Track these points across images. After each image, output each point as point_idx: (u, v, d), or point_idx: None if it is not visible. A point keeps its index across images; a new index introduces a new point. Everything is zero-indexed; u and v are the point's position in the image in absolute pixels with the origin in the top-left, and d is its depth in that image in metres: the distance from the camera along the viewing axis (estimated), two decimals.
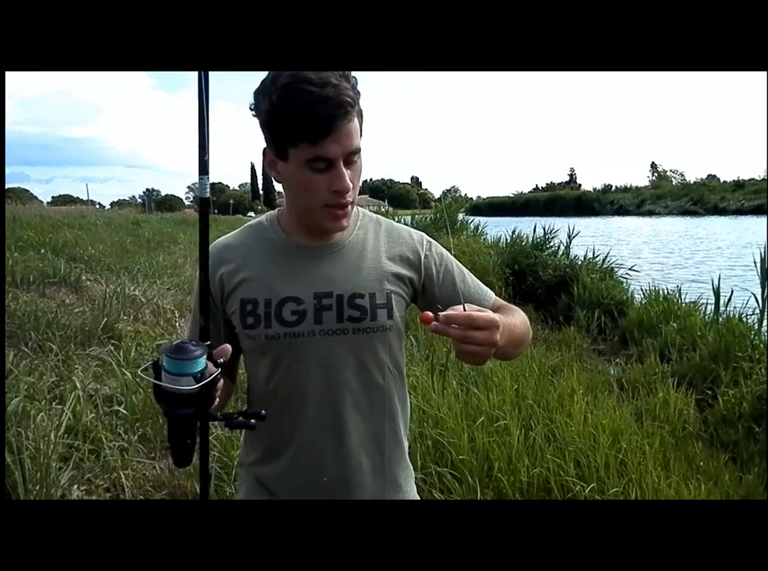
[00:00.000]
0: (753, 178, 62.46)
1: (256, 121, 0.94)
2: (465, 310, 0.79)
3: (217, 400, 0.87)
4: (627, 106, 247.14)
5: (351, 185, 0.91)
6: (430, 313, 0.79)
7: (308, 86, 0.84)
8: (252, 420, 0.86)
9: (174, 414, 0.81)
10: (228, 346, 0.88)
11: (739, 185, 60.15)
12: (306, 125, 0.86)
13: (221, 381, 0.85)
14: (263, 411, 0.87)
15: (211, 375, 0.81)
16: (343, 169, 0.90)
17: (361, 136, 0.94)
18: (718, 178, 78.89)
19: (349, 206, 0.95)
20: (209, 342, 0.85)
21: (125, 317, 4.96)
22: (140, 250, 9.42)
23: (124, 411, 3.20)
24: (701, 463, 3.00)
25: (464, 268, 1.10)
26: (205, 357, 0.81)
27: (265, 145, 0.95)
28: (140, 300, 5.46)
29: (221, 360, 0.84)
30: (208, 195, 0.86)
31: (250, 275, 0.99)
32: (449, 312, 0.78)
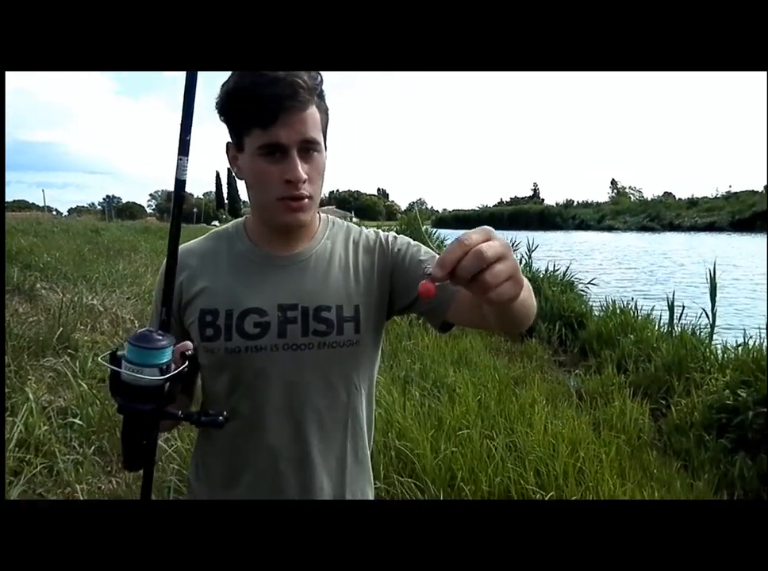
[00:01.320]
0: (706, 196, 65.34)
1: (221, 128, 0.92)
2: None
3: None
4: (589, 125, 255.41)
5: (304, 176, 0.86)
6: (426, 282, 0.58)
7: (264, 71, 0.83)
8: (220, 418, 0.81)
9: (133, 409, 0.75)
10: (190, 343, 0.83)
11: (693, 202, 62.82)
12: (256, 108, 0.84)
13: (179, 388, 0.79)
14: (225, 413, 0.83)
15: (177, 369, 0.76)
16: (297, 158, 0.86)
17: (325, 133, 0.92)
18: (674, 196, 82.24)
19: (306, 200, 0.89)
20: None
21: (82, 327, 4.83)
22: (98, 258, 9.19)
23: (80, 423, 3.11)
24: (655, 471, 3.11)
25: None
26: (171, 348, 0.76)
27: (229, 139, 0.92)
28: (98, 310, 5.33)
29: (189, 352, 0.80)
30: (186, 177, 0.82)
31: (211, 284, 0.95)
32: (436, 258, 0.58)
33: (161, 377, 0.74)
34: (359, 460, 1.01)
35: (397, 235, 1.03)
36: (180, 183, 0.82)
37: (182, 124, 0.80)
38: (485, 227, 0.59)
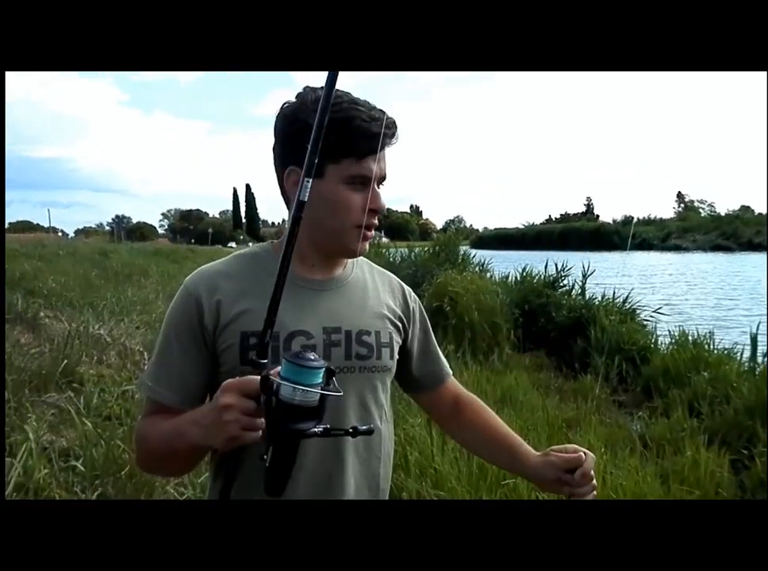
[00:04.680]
0: None
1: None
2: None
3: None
4: (651, 131, 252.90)
5: (386, 207, 1.04)
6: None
7: (358, 106, 0.99)
8: (371, 425, 0.93)
9: (294, 430, 0.82)
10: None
11: None
12: (358, 141, 0.98)
13: None
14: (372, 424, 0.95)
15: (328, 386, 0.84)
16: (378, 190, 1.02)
17: None
18: (752, 210, 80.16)
19: (374, 231, 1.06)
20: (264, 361, 0.88)
21: (88, 359, 4.95)
22: (106, 283, 9.46)
23: (82, 468, 3.16)
24: None
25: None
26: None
27: (289, 166, 1.02)
28: (105, 341, 5.46)
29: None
30: (306, 198, 0.88)
31: (252, 306, 1.00)
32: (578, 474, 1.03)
33: (323, 394, 0.81)
34: (388, 490, 1.13)
35: (416, 298, 1.23)
36: (301, 204, 0.88)
37: (312, 145, 0.85)
38: (591, 456, 1.06)
